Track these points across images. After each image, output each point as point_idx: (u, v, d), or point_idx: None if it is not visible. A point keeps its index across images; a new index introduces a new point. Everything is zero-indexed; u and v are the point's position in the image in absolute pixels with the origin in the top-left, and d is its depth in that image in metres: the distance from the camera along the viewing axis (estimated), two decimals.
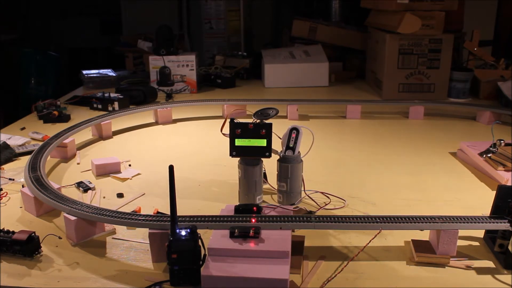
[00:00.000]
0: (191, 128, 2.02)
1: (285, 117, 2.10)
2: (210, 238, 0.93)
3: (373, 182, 1.39)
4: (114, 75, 2.76)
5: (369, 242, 0.98)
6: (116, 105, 2.16)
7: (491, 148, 1.42)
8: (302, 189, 1.24)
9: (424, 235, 1.01)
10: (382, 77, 2.48)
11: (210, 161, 1.57)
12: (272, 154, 1.17)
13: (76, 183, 1.36)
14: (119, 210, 1.15)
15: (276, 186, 1.24)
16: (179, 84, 2.64)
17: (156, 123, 2.05)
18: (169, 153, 1.67)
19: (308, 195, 1.25)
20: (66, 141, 1.59)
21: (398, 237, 1.05)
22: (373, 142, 1.78)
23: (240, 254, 0.88)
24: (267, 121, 1.16)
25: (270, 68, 2.77)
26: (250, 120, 1.17)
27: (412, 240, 1.02)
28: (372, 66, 2.75)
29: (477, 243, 1.03)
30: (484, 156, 1.43)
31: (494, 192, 1.00)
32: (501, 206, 0.98)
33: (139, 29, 3.30)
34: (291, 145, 1.19)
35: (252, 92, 2.65)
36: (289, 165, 1.18)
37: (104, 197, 1.29)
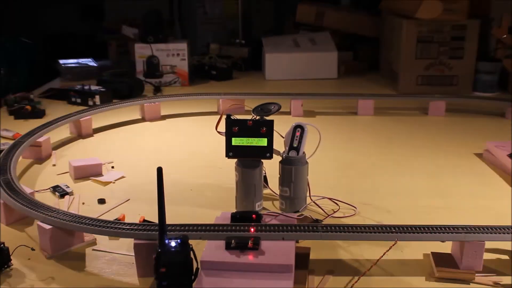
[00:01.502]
0: (182, 125, 2.01)
1: (289, 113, 2.10)
2: (204, 249, 0.93)
3: (388, 187, 1.39)
4: (95, 65, 2.76)
5: (384, 254, 0.97)
6: (97, 99, 2.16)
7: None
8: (308, 194, 1.24)
9: (446, 247, 1.01)
10: (398, 69, 2.48)
11: (203, 163, 1.57)
12: (274, 155, 1.17)
13: (52, 187, 1.35)
14: (101, 218, 1.15)
15: (278, 191, 1.24)
16: (168, 75, 2.64)
17: (143, 119, 2.05)
18: (157, 154, 1.67)
19: (314, 202, 1.24)
20: (40, 139, 1.59)
21: (416, 249, 1.05)
22: (388, 141, 1.79)
23: (237, 268, 0.88)
24: (268, 118, 1.16)
25: (272, 58, 2.77)
26: (249, 117, 1.17)
27: (432, 253, 1.02)
28: (387, 56, 2.75)
29: (506, 257, 1.03)
30: None
31: None
32: None
33: (124, 14, 3.29)
34: (295, 145, 1.19)
35: (251, 85, 2.65)
36: (292, 167, 1.18)
37: (83, 203, 1.29)
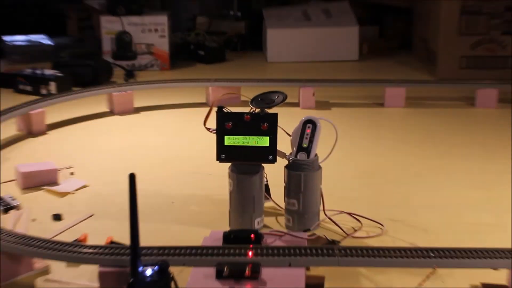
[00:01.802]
0: (162, 120, 2.01)
1: (297, 104, 2.10)
2: (188, 279, 0.93)
3: (424, 199, 1.39)
4: (50, 43, 2.76)
5: (419, 286, 0.96)
6: (52, 86, 2.16)
7: None
8: (321, 208, 1.23)
9: (499, 276, 1.00)
10: (436, 48, 2.48)
11: (188, 168, 1.57)
12: (278, 158, 1.17)
13: None
14: (56, 238, 1.14)
15: (283, 204, 1.24)
16: (144, 57, 2.65)
17: (111, 113, 2.04)
18: (129, 157, 1.67)
19: (329, 218, 1.24)
20: None
21: (462, 279, 1.04)
22: (423, 141, 1.79)
23: None
24: (270, 111, 1.16)
25: (275, 34, 2.78)
26: (246, 110, 1.17)
27: (482, 284, 1.02)
28: (422, 32, 2.75)
29: None
30: None
31: None
32: None
33: None
34: (305, 145, 1.18)
35: (249, 69, 2.65)
36: (302, 174, 1.18)
37: (34, 220, 1.28)
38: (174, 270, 0.89)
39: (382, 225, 1.24)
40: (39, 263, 1.08)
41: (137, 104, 2.11)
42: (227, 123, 1.14)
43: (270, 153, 1.15)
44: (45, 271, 1.08)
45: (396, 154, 1.68)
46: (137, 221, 0.86)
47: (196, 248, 0.99)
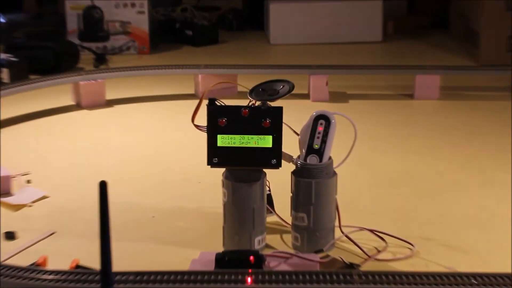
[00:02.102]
0: (140, 116, 2.01)
1: (306, 96, 2.11)
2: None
3: (464, 213, 1.39)
4: (2, 21, 2.76)
5: None
6: (4, 74, 2.16)
7: None
8: (336, 224, 1.24)
9: None
10: (479, 27, 2.48)
11: (173, 175, 1.57)
12: (283, 162, 1.17)
13: None
14: (8, 262, 1.14)
15: (289, 219, 1.24)
16: (118, 38, 2.66)
17: (78, 106, 2.05)
18: (99, 161, 1.67)
19: (346, 235, 1.24)
20: None
21: None
22: (462, 141, 1.79)
23: None
24: (273, 104, 1.16)
25: (280, 10, 2.79)
26: (244, 103, 1.17)
27: None
28: (461, 7, 2.75)
29: None
30: None
31: None
32: None
33: None
34: (316, 146, 1.18)
35: (247, 52, 2.67)
36: (312, 181, 1.18)
37: None
38: None
39: (412, 244, 1.24)
40: None
41: (110, 96, 2.11)
42: (220, 119, 1.14)
43: (273, 156, 1.15)
44: None
45: (429, 158, 1.68)
46: (109, 240, 0.85)
47: (182, 273, 0.99)
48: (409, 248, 1.23)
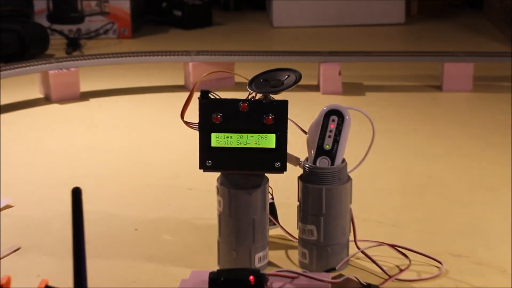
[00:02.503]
0: (120, 111, 2.02)
1: (316, 88, 2.11)
2: None
3: (501, 225, 1.38)
4: None
5: None
6: None
7: None
8: (351, 238, 1.23)
9: None
10: None
11: (159, 181, 1.57)
12: (289, 165, 1.17)
13: None
14: None
15: (296, 232, 1.24)
16: (94, 19, 2.66)
17: (46, 99, 2.06)
18: (73, 164, 1.67)
19: (363, 251, 1.24)
20: None
21: None
22: (499, 140, 1.78)
23: None
24: (277, 97, 1.16)
25: None
26: (243, 96, 1.17)
27: None
28: None
29: None
30: None
31: None
32: None
33: None
34: (327, 147, 1.18)
35: (246, 36, 2.67)
36: (323, 187, 1.18)
37: None
38: None
39: (440, 262, 1.23)
40: None
41: (85, 87, 2.11)
42: (214, 115, 1.14)
43: (277, 159, 1.15)
44: None
45: (460, 160, 1.67)
46: (84, 256, 0.85)
47: None
48: (436, 266, 1.23)
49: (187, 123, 1.17)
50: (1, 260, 1.27)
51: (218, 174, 1.19)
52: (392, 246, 1.27)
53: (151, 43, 2.62)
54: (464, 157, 1.70)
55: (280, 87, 1.17)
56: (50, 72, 2.04)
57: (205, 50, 2.17)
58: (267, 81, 1.18)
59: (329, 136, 1.18)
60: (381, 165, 1.59)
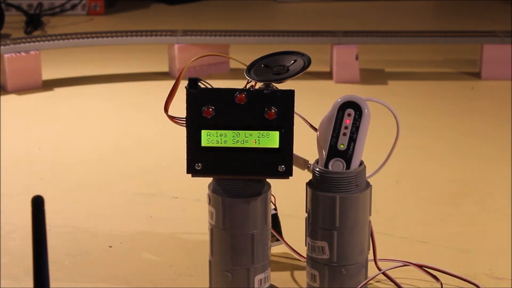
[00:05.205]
0: (90, 103, 2.02)
1: (328, 76, 2.10)
2: None
3: None
4: None
5: None
6: None
7: None
8: (370, 257, 1.21)
9: None
10: None
11: (138, 187, 1.56)
12: (295, 168, 1.14)
13: None
14: None
15: (303, 250, 1.21)
16: None
17: (2, 89, 2.05)
18: (33, 167, 1.66)
19: (384, 273, 1.23)
20: None
21: None
22: None
23: None
24: (281, 86, 1.13)
25: None
26: (240, 84, 1.14)
27: None
28: None
29: None
30: None
31: None
32: None
33: None
34: (342, 147, 1.15)
35: (244, 13, 2.68)
36: (336, 196, 1.15)
37: None
38: None
39: (477, 286, 1.20)
40: None
41: (48, 74, 2.10)
42: (205, 108, 1.11)
43: (281, 161, 1.12)
44: None
45: (502, 164, 1.65)
46: (47, 279, 0.82)
47: None
48: None
49: (172, 118, 1.14)
50: None
51: (209, 179, 1.16)
52: (420, 266, 1.24)
53: (128, 20, 2.63)
54: (507, 160, 1.68)
55: (284, 74, 1.14)
56: (6, 55, 2.03)
57: (194, 30, 2.16)
58: (269, 67, 1.15)
59: (344, 134, 1.15)
60: (407, 168, 1.57)
